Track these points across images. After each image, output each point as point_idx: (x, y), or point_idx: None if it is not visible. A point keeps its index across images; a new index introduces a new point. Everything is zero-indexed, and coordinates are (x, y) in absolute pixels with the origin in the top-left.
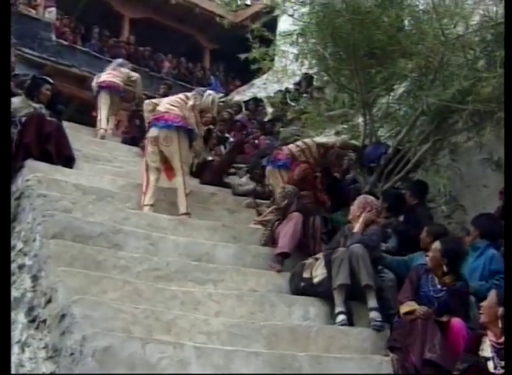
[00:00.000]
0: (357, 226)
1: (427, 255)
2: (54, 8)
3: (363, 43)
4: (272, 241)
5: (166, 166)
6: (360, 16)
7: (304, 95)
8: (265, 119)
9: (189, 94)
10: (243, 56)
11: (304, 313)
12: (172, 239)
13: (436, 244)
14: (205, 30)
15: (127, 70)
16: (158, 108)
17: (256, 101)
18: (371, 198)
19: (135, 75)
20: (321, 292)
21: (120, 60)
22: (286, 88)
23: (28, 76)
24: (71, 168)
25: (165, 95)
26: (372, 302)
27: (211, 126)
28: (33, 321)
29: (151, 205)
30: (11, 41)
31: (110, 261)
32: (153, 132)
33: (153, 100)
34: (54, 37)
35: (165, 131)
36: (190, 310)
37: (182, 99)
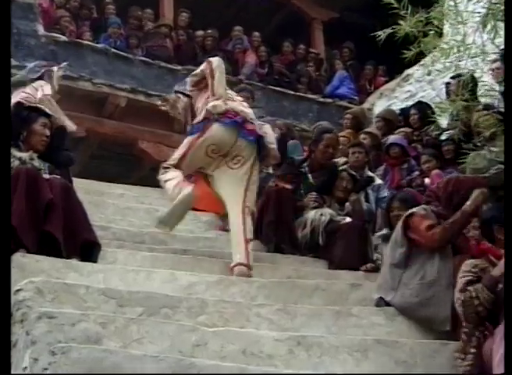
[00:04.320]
0: None
1: None
2: None
3: None
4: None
5: None
6: None
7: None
8: (441, 138)
9: None
10: (383, 34)
11: None
12: None
13: None
14: None
15: None
16: None
17: (421, 106)
18: None
19: None
20: None
21: None
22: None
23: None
24: (94, 262)
25: None
26: None
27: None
28: None
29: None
30: None
31: None
32: None
33: None
34: (41, 30)
35: None
36: None
37: None
